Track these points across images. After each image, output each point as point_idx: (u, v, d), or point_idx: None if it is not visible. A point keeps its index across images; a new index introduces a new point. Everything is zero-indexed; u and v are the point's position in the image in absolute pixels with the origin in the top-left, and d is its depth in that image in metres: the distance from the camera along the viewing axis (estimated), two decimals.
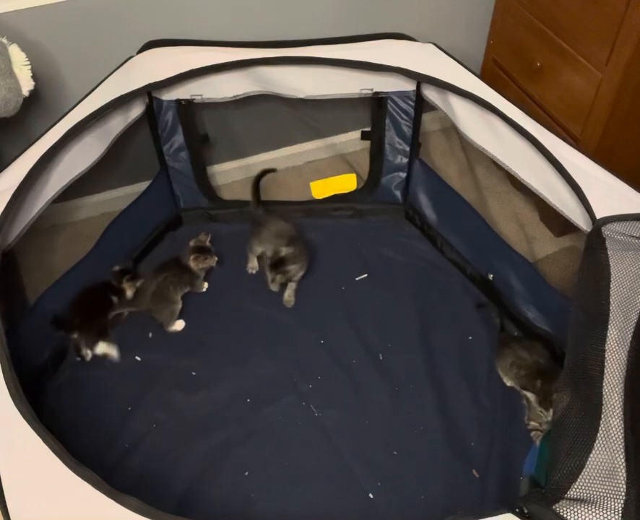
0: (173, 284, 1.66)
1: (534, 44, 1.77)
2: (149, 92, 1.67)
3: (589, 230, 1.26)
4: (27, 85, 1.46)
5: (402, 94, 1.76)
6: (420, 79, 1.63)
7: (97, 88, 1.56)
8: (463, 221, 1.77)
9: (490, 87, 1.52)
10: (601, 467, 0.90)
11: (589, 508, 0.84)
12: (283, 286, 1.73)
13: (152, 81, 1.58)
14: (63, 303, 1.58)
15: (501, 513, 0.88)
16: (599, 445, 0.93)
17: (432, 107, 1.73)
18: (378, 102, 1.80)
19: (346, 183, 2.07)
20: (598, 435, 0.94)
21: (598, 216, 1.23)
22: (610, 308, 1.10)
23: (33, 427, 0.96)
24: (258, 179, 1.83)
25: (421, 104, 1.76)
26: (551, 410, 1.35)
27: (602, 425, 0.95)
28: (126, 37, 1.64)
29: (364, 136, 1.95)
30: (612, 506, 0.84)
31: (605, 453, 0.92)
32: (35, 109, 1.67)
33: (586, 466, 0.91)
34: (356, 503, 1.33)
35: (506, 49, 1.93)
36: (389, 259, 1.84)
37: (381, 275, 1.80)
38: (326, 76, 1.67)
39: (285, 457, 1.41)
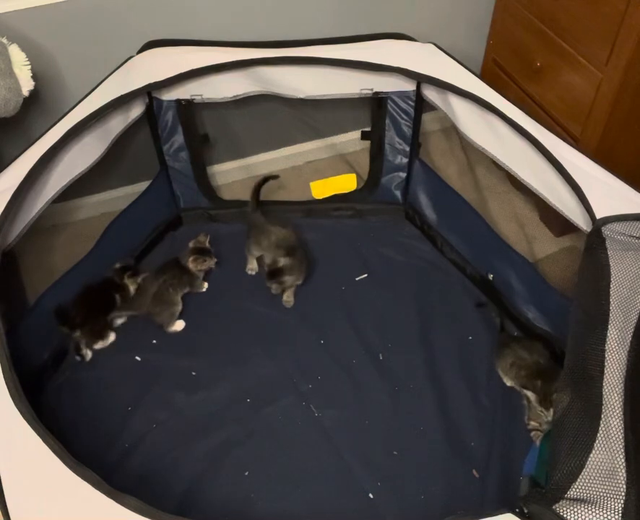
0: (173, 286, 1.66)
1: (534, 44, 1.77)
2: (149, 92, 1.67)
3: (589, 230, 1.26)
4: (27, 85, 1.46)
5: (402, 94, 1.76)
6: (420, 79, 1.63)
7: (97, 88, 1.56)
8: (463, 221, 1.77)
9: (490, 87, 1.52)
10: (601, 467, 0.90)
11: (589, 508, 0.84)
12: (283, 289, 1.73)
13: (152, 81, 1.59)
14: (63, 304, 1.58)
15: (501, 513, 0.88)
16: (599, 445, 0.93)
17: (432, 107, 1.73)
18: (378, 102, 1.80)
19: (346, 183, 2.07)
20: (598, 435, 0.94)
21: (598, 216, 1.23)
22: (610, 308, 1.10)
23: (33, 427, 0.96)
24: (259, 185, 1.82)
25: (421, 104, 1.76)
26: (551, 410, 1.35)
27: (602, 425, 0.95)
28: (126, 37, 1.64)
29: (364, 136, 1.95)
30: (612, 506, 0.84)
31: (605, 453, 0.92)
32: (35, 109, 1.67)
33: (586, 466, 0.91)
34: (356, 503, 1.33)
35: (506, 49, 1.93)
36: (389, 259, 1.84)
37: (381, 275, 1.80)
38: (326, 76, 1.67)
39: (285, 457, 1.41)
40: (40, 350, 1.52)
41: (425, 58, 1.63)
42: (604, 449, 0.92)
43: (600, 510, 0.84)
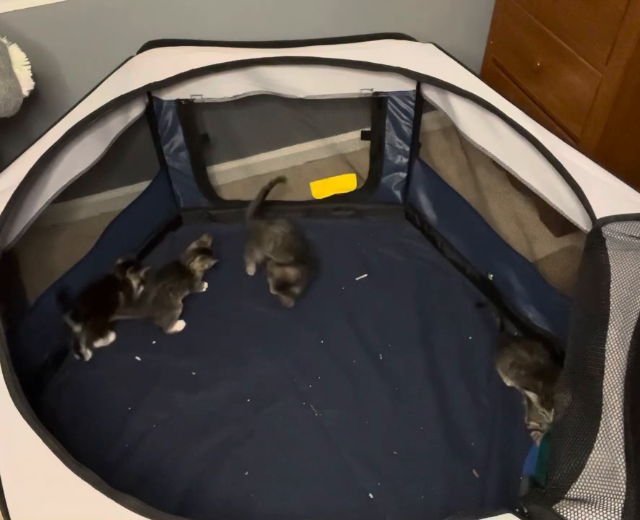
0: (173, 290, 1.65)
1: (534, 44, 1.77)
2: (149, 92, 1.67)
3: (589, 230, 1.26)
4: (27, 85, 1.46)
5: (402, 94, 1.76)
6: (420, 79, 1.63)
7: (97, 88, 1.56)
8: (463, 221, 1.77)
9: (490, 87, 1.52)
10: (601, 467, 0.90)
11: (589, 508, 0.84)
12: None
13: (152, 81, 1.59)
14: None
15: (501, 513, 0.88)
16: (599, 445, 0.93)
17: (432, 107, 1.73)
18: (378, 102, 1.80)
19: (346, 183, 2.07)
20: (598, 435, 0.94)
21: (598, 216, 1.23)
22: (610, 308, 1.10)
23: (33, 427, 0.96)
24: (267, 191, 1.82)
25: (421, 104, 1.76)
26: (553, 410, 1.35)
27: (602, 425, 0.95)
28: (126, 37, 1.64)
29: (364, 136, 1.95)
30: (612, 506, 0.84)
31: (605, 453, 0.92)
32: (35, 109, 1.67)
33: (586, 466, 0.91)
34: (356, 503, 1.33)
35: (506, 49, 1.93)
36: (389, 259, 1.84)
37: (381, 275, 1.80)
38: (326, 76, 1.67)
39: (285, 457, 1.41)
40: (40, 350, 1.52)
41: (425, 58, 1.63)
42: (604, 449, 0.92)
43: (600, 510, 0.84)
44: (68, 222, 1.89)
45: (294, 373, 1.56)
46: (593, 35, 1.56)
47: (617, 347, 1.04)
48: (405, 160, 1.89)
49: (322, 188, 2.06)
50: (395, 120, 1.82)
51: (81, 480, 0.90)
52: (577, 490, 0.88)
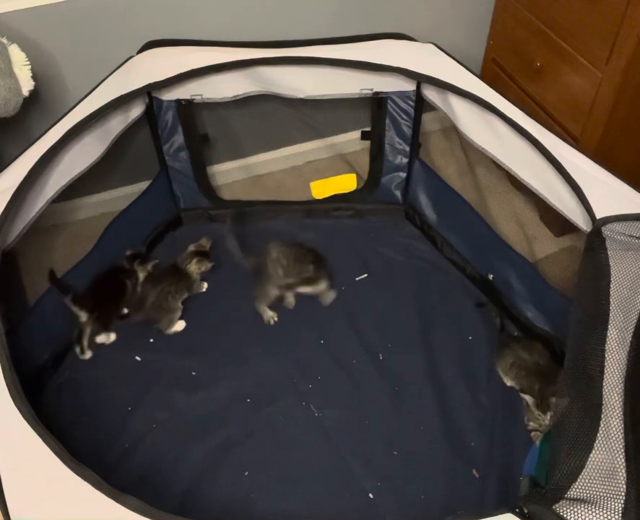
0: (171, 293, 1.65)
1: (534, 44, 1.77)
2: (149, 92, 1.67)
3: (589, 230, 1.26)
4: (27, 85, 1.46)
5: (402, 94, 1.76)
6: (420, 79, 1.63)
7: (97, 88, 1.56)
8: (463, 221, 1.77)
9: (490, 87, 1.52)
10: (601, 467, 0.90)
11: (589, 508, 0.84)
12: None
13: (152, 81, 1.59)
14: (63, 304, 1.58)
15: (501, 513, 0.88)
16: (599, 445, 0.93)
17: (432, 107, 1.73)
18: (378, 102, 1.80)
19: (346, 183, 2.07)
20: (598, 435, 0.94)
21: (598, 216, 1.23)
22: (610, 308, 1.10)
23: (33, 427, 0.96)
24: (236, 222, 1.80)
25: (421, 104, 1.76)
26: (549, 414, 1.35)
27: (602, 425, 0.95)
28: (126, 37, 1.64)
29: (364, 136, 1.95)
30: (612, 506, 0.84)
31: (605, 453, 0.92)
32: (35, 109, 1.67)
33: (586, 466, 0.91)
34: (356, 503, 1.33)
35: (506, 49, 1.93)
36: (389, 259, 1.84)
37: (381, 275, 1.80)
38: (326, 76, 1.67)
39: (285, 457, 1.41)
40: (40, 350, 1.52)
41: (425, 58, 1.63)
42: (604, 449, 0.92)
43: (600, 510, 0.84)
44: (68, 222, 1.89)
45: (294, 373, 1.56)
46: (593, 35, 1.56)
47: (617, 347, 1.04)
48: (405, 160, 1.89)
49: (322, 188, 2.06)
50: (395, 120, 1.82)
51: (81, 480, 0.90)
52: (577, 490, 0.88)
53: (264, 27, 1.76)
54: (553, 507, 0.86)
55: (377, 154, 1.91)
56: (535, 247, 1.78)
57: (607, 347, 1.05)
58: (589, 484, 0.88)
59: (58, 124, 1.46)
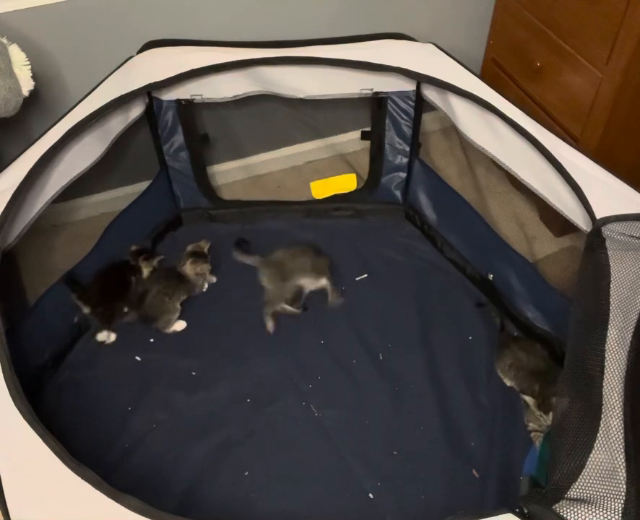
0: (168, 295, 1.65)
1: (534, 44, 1.77)
2: (149, 92, 1.67)
3: (589, 230, 1.26)
4: (27, 85, 1.46)
5: (402, 94, 1.76)
6: (420, 79, 1.63)
7: (97, 88, 1.56)
8: (463, 221, 1.77)
9: (490, 87, 1.52)
10: (601, 467, 0.90)
11: (589, 508, 0.84)
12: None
13: (152, 81, 1.58)
14: (63, 304, 1.58)
15: (501, 513, 0.88)
16: (599, 445, 0.93)
17: (432, 107, 1.73)
18: (378, 102, 1.80)
19: (346, 183, 2.07)
20: (598, 435, 0.94)
21: (598, 216, 1.23)
22: (610, 308, 1.10)
23: (33, 427, 0.96)
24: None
25: (421, 104, 1.76)
26: (551, 414, 1.35)
27: (602, 425, 0.95)
28: (126, 37, 1.64)
29: (364, 136, 1.95)
30: (612, 506, 0.84)
31: (605, 453, 0.92)
32: (35, 109, 1.67)
33: (586, 466, 0.91)
34: (356, 503, 1.33)
35: (506, 49, 1.93)
36: (389, 259, 1.84)
37: (381, 275, 1.80)
38: (326, 76, 1.67)
39: (285, 457, 1.41)
40: (40, 350, 1.52)
41: (425, 58, 1.63)
42: (604, 449, 0.92)
43: (600, 510, 0.84)
44: (68, 222, 1.89)
45: (294, 373, 1.56)
46: (593, 35, 1.56)
47: (617, 347, 1.04)
48: (405, 160, 1.89)
49: (322, 188, 2.06)
50: (395, 120, 1.82)
51: (81, 480, 0.90)
52: (577, 490, 0.88)
53: (264, 27, 1.76)
54: (553, 507, 0.86)
55: (377, 154, 1.91)
56: (535, 247, 1.78)
57: (607, 347, 1.05)
58: (589, 484, 0.88)
59: (58, 124, 1.45)
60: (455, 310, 1.70)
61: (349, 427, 1.45)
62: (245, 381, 1.55)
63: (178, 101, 1.73)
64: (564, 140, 1.41)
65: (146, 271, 1.70)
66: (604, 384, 1.01)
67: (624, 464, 0.90)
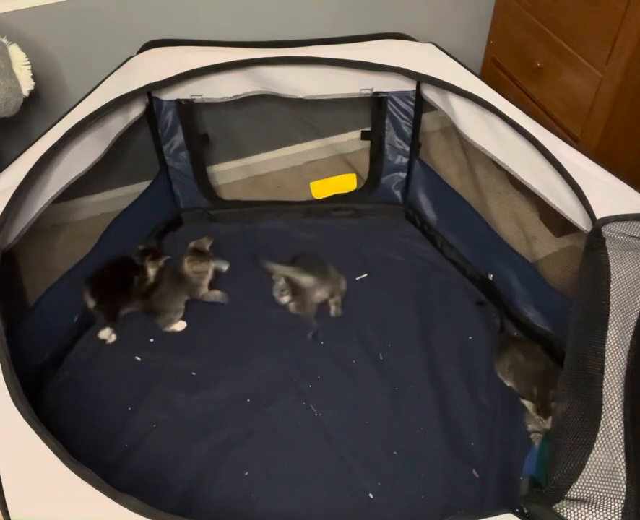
0: (169, 295, 1.65)
1: (534, 44, 1.77)
2: (149, 92, 1.67)
3: (589, 230, 1.26)
4: (27, 85, 1.46)
5: (402, 94, 1.76)
6: (420, 79, 1.63)
7: (97, 88, 1.56)
8: (463, 221, 1.77)
9: (490, 87, 1.52)
10: (601, 467, 0.90)
11: (589, 508, 0.84)
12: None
13: (152, 81, 1.58)
14: (63, 304, 1.58)
15: (501, 513, 0.88)
16: (599, 445, 0.93)
17: (432, 107, 1.73)
18: (378, 102, 1.80)
19: (346, 183, 2.07)
20: (598, 435, 0.94)
21: (598, 216, 1.23)
22: (610, 308, 1.10)
23: (33, 427, 0.96)
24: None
25: (421, 104, 1.76)
26: (550, 418, 1.34)
27: (602, 425, 0.95)
28: (126, 37, 1.64)
29: (364, 136, 1.95)
30: (612, 506, 0.84)
31: (605, 453, 0.92)
32: (35, 109, 1.67)
33: (586, 466, 0.91)
34: (356, 503, 1.33)
35: (506, 49, 1.93)
36: (389, 259, 1.84)
37: (381, 275, 1.80)
38: (326, 76, 1.67)
39: (285, 457, 1.41)
40: (40, 350, 1.52)
41: (425, 58, 1.63)
42: (604, 449, 0.92)
43: (600, 510, 0.84)
44: (68, 222, 1.89)
45: (294, 373, 1.56)
46: (593, 35, 1.56)
47: (617, 347, 1.04)
48: (405, 160, 1.89)
49: (322, 188, 2.06)
50: (395, 120, 1.82)
51: (81, 480, 0.89)
52: (577, 490, 0.88)
53: (264, 27, 1.76)
54: (553, 507, 0.86)
55: (377, 154, 1.91)
56: (535, 247, 1.78)
57: (607, 347, 1.05)
58: (589, 484, 0.88)
59: (58, 124, 1.45)
60: (455, 310, 1.70)
61: (349, 427, 1.45)
62: (245, 381, 1.55)
63: (178, 101, 1.73)
64: (564, 140, 1.41)
65: (152, 271, 1.70)
66: (604, 384, 1.01)
67: (624, 464, 0.90)
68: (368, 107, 1.91)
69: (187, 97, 1.72)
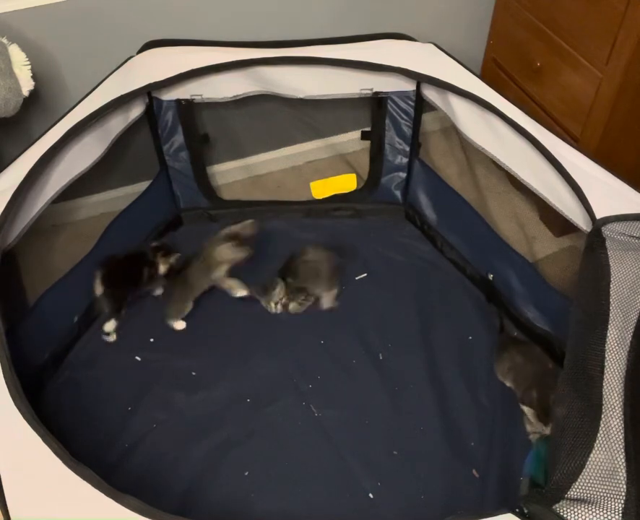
0: (192, 280, 1.65)
1: (534, 44, 1.77)
2: (149, 92, 1.67)
3: (589, 230, 1.26)
4: (27, 85, 1.46)
5: (402, 94, 1.76)
6: (420, 79, 1.63)
7: (97, 88, 1.56)
8: (463, 221, 1.77)
9: (490, 87, 1.52)
10: (601, 467, 0.90)
11: (589, 508, 0.84)
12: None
13: (152, 81, 1.59)
14: (63, 304, 1.58)
15: (501, 513, 0.88)
16: (599, 445, 0.93)
17: (432, 107, 1.73)
18: (378, 102, 1.80)
19: (346, 183, 2.07)
20: (598, 435, 0.94)
21: (598, 216, 1.23)
22: (610, 308, 1.10)
23: (33, 427, 0.96)
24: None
25: (421, 104, 1.76)
26: (550, 425, 1.33)
27: (602, 425, 0.95)
28: (126, 37, 1.64)
29: (364, 136, 1.95)
30: (613, 506, 0.84)
31: (605, 453, 0.92)
32: (35, 109, 1.67)
33: (586, 466, 0.91)
34: (356, 503, 1.33)
35: (506, 49, 1.93)
36: (389, 259, 1.84)
37: (381, 275, 1.80)
38: (326, 76, 1.67)
39: (285, 457, 1.41)
40: (40, 350, 1.52)
41: (425, 58, 1.63)
42: (604, 449, 0.92)
43: (600, 510, 0.84)
44: (68, 222, 1.89)
45: (294, 373, 1.56)
46: (593, 35, 1.56)
47: (617, 347, 1.04)
48: (405, 160, 1.89)
49: (322, 188, 2.06)
50: (395, 120, 1.82)
51: (81, 480, 0.90)
52: (577, 490, 0.88)
53: (264, 27, 1.76)
54: (553, 507, 0.86)
55: (377, 154, 1.91)
56: (535, 247, 1.79)
57: (607, 347, 1.05)
58: (589, 484, 0.88)
59: (58, 124, 1.46)
60: (455, 310, 1.70)
61: (349, 427, 1.45)
62: (245, 381, 1.55)
63: (178, 101, 1.73)
64: (564, 140, 1.41)
65: (163, 268, 1.69)
66: (604, 384, 1.01)
67: (624, 464, 0.90)
68: (368, 107, 1.91)
69: (187, 97, 1.72)
